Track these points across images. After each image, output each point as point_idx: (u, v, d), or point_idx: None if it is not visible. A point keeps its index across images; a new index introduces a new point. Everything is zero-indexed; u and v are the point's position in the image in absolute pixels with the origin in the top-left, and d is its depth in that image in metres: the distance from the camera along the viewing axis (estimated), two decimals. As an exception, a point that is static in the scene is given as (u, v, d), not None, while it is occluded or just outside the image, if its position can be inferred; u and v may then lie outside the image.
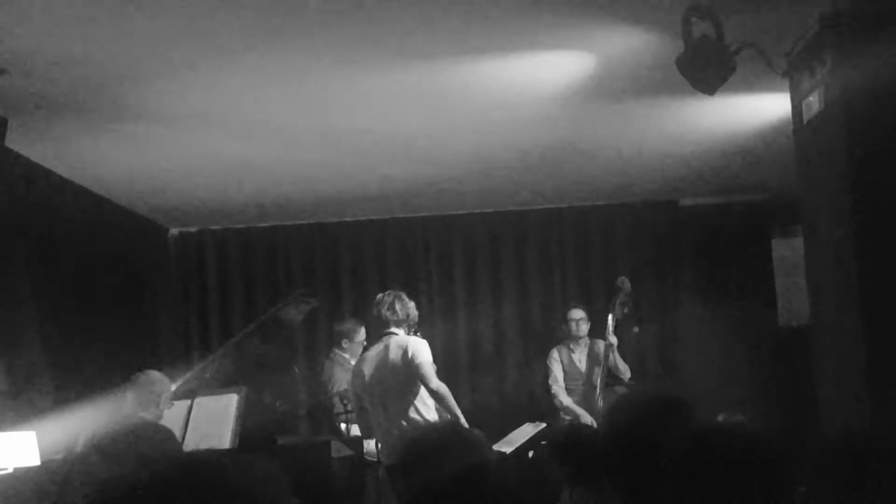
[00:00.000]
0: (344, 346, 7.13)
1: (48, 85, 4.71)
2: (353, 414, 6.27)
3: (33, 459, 4.63)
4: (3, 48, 4.21)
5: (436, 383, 5.47)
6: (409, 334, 5.79)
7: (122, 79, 4.72)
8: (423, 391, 5.56)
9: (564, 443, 3.70)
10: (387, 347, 5.67)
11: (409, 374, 5.53)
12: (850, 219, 4.07)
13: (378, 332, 5.88)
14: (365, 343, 6.94)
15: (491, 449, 2.76)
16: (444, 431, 2.79)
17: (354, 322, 7.27)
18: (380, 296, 5.89)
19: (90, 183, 6.68)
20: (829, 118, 4.19)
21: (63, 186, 6.42)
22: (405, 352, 5.55)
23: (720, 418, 3.47)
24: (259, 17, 4.12)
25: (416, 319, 5.88)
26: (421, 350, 5.56)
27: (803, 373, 5.21)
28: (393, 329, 5.73)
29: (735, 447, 2.03)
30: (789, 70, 4.52)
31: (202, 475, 1.68)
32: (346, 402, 6.37)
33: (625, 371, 7.33)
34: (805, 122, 4.47)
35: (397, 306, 5.73)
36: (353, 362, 6.87)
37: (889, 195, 4.00)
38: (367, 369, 5.71)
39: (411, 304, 5.84)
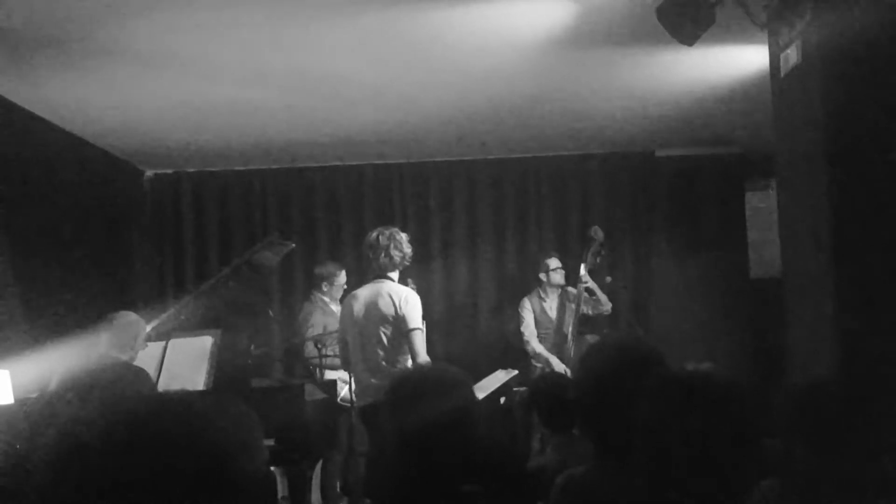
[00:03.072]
0: (324, 289, 7.14)
1: (23, 21, 4.65)
2: (326, 358, 6.29)
3: (6, 398, 4.65)
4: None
5: (423, 357, 5.34)
6: (402, 280, 5.67)
7: (99, 17, 4.66)
8: (404, 345, 5.45)
9: (537, 390, 3.75)
10: (378, 294, 5.52)
11: (396, 331, 5.44)
12: (824, 172, 4.09)
13: (369, 271, 5.71)
14: (345, 287, 6.95)
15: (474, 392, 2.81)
16: (434, 371, 2.84)
17: (335, 266, 7.27)
18: (374, 236, 5.61)
19: (65, 122, 6.62)
20: (806, 71, 4.20)
21: (37, 125, 6.36)
22: (397, 309, 5.41)
23: (687, 366, 3.51)
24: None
25: (410, 257, 5.66)
26: (414, 315, 5.41)
27: (775, 324, 5.27)
28: (388, 274, 5.58)
29: (701, 393, 2.07)
30: (768, 22, 4.52)
31: (173, 415, 1.69)
32: (319, 346, 6.41)
33: (605, 304, 7.37)
34: (783, 74, 4.47)
35: (393, 251, 5.54)
36: (332, 306, 6.89)
37: (863, 149, 4.03)
38: (357, 308, 5.58)
39: (405, 243, 5.61)
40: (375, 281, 5.62)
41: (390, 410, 2.62)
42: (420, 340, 5.38)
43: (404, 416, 2.57)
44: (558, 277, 7.46)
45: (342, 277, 7.12)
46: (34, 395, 4.75)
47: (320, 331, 6.71)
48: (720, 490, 2.03)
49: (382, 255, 5.55)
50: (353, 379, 5.65)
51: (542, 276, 7.51)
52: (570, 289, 7.42)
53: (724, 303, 8.19)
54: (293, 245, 6.76)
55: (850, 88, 4.04)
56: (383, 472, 2.97)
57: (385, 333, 5.46)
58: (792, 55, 4.30)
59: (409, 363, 5.41)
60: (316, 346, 6.39)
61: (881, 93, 4.01)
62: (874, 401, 2.55)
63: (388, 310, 5.45)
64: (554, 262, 7.48)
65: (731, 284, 8.24)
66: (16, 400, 4.67)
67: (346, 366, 5.84)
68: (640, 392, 2.09)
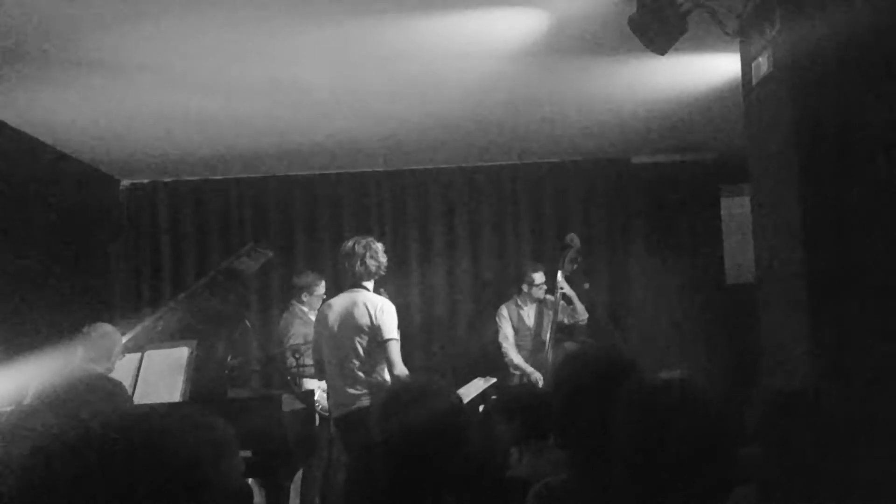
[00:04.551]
0: (303, 299, 7.12)
1: (1, 32, 4.64)
2: (305, 368, 6.27)
3: (-19, 411, 4.61)
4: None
5: (400, 368, 5.32)
6: (377, 290, 5.65)
7: (73, 28, 4.66)
8: (380, 355, 5.42)
9: (513, 400, 3.77)
10: (354, 303, 5.50)
11: (371, 341, 5.42)
12: (795, 179, 4.14)
13: (345, 281, 5.69)
14: (324, 297, 6.93)
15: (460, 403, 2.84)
16: (420, 384, 2.87)
17: (314, 276, 7.25)
18: (349, 245, 5.61)
19: (39, 133, 6.59)
20: (777, 79, 4.24)
21: (12, 135, 6.33)
22: (372, 319, 5.39)
23: (662, 374, 3.53)
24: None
25: (385, 267, 5.66)
26: (390, 325, 5.39)
27: (750, 329, 5.31)
28: (363, 283, 5.57)
29: (676, 402, 2.08)
30: (740, 31, 4.56)
31: (145, 430, 1.70)
32: (298, 356, 6.39)
33: (582, 313, 7.38)
34: (754, 82, 4.52)
35: (369, 261, 5.52)
36: (311, 316, 6.86)
37: (834, 156, 4.07)
38: (332, 318, 5.57)
39: (381, 253, 5.60)
40: (350, 290, 5.60)
41: (377, 422, 2.64)
42: (396, 350, 5.36)
43: (390, 427, 2.58)
44: (539, 293, 7.43)
45: (321, 288, 7.10)
46: (9, 408, 4.72)
47: (300, 341, 6.69)
48: (696, 497, 2.05)
49: (358, 264, 5.53)
50: (328, 389, 5.64)
51: (525, 286, 7.49)
52: (549, 296, 7.42)
53: (701, 308, 8.23)
54: (271, 254, 6.74)
55: (820, 96, 4.08)
56: (364, 482, 2.98)
57: (360, 343, 5.44)
58: (763, 63, 4.34)
59: (385, 373, 5.39)
60: (294, 355, 6.38)
61: (851, 100, 4.06)
62: (847, 407, 2.58)
63: (363, 319, 5.43)
64: (539, 277, 7.41)
65: (708, 290, 8.28)
66: (-9, 413, 4.63)
67: (319, 375, 5.83)
68: (616, 402, 2.10)
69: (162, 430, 1.72)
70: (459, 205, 8.54)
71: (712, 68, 5.69)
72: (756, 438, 2.61)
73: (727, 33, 4.50)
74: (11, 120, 6.19)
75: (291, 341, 6.80)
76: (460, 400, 2.82)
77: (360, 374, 5.44)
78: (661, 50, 4.20)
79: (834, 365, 3.89)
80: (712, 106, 6.52)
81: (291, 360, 6.43)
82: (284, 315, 7.26)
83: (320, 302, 6.85)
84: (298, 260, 8.32)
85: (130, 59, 5.18)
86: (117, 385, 4.88)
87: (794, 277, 4.15)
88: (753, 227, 4.78)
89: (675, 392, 2.11)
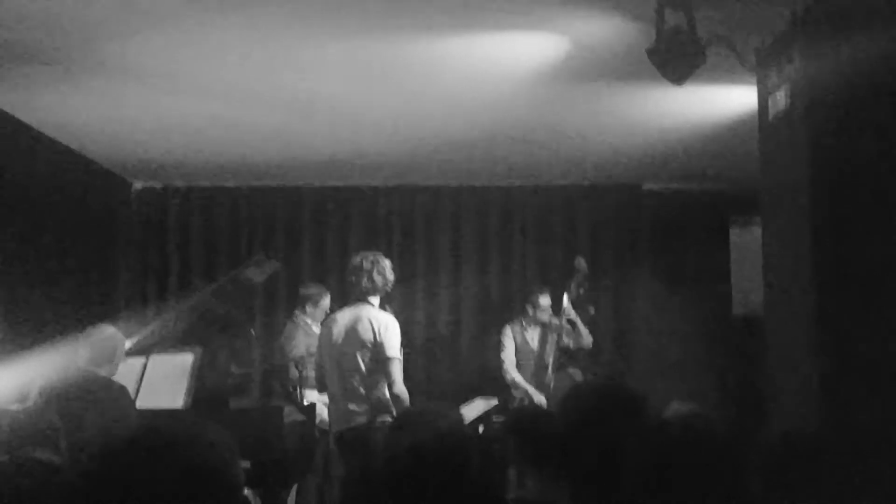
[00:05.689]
0: (307, 310, 7.12)
1: (17, 34, 4.67)
2: (307, 380, 6.26)
3: (-14, 409, 4.62)
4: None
5: (399, 387, 5.29)
6: (382, 306, 5.62)
7: (92, 31, 4.69)
8: (381, 372, 5.40)
9: (518, 423, 3.76)
10: (358, 319, 5.47)
11: (373, 357, 5.39)
12: (808, 214, 4.15)
13: (350, 295, 5.66)
14: (328, 311, 6.92)
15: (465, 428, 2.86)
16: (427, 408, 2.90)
17: (320, 288, 7.25)
18: (357, 260, 5.59)
19: (54, 132, 6.61)
20: (794, 115, 4.26)
21: (28, 135, 6.35)
22: (376, 335, 5.38)
23: (674, 407, 3.52)
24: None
25: (392, 284, 5.63)
26: (393, 343, 5.37)
27: (755, 362, 5.30)
28: (369, 299, 5.54)
29: (692, 444, 2.08)
30: (758, 65, 4.58)
31: (152, 444, 1.71)
32: (300, 368, 6.39)
33: (586, 338, 7.37)
34: (771, 117, 4.53)
35: (375, 276, 5.49)
36: (314, 328, 6.85)
37: (849, 194, 4.08)
38: (336, 332, 5.54)
39: (389, 269, 5.58)
40: (356, 305, 5.58)
41: (387, 445, 2.65)
42: (397, 369, 5.34)
43: (399, 450, 2.59)
44: (544, 316, 7.42)
45: (326, 300, 7.10)
46: (14, 406, 4.73)
47: (302, 351, 6.69)
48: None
49: (365, 279, 5.52)
50: (329, 403, 5.63)
51: (530, 309, 7.49)
52: (553, 320, 7.42)
53: (707, 338, 8.21)
54: (279, 265, 6.75)
55: (836, 134, 4.10)
56: (362, 499, 2.98)
57: (363, 359, 5.42)
58: (780, 98, 4.35)
59: (386, 391, 5.37)
60: (296, 367, 6.38)
61: (867, 137, 4.07)
62: (854, 445, 2.57)
63: (366, 335, 5.42)
64: (545, 301, 7.41)
65: (714, 320, 8.26)
66: (-4, 411, 4.64)
67: (321, 389, 5.82)
68: (629, 437, 2.10)
69: (164, 441, 1.73)
70: (468, 224, 8.54)
71: (727, 100, 5.70)
72: (762, 478, 2.60)
73: (745, 67, 4.51)
74: (29, 119, 6.21)
75: (294, 352, 6.80)
76: (464, 424, 2.83)
77: (361, 390, 5.41)
78: (678, 81, 4.21)
79: (842, 405, 3.88)
80: (725, 137, 6.53)
81: (294, 372, 6.43)
82: (287, 325, 7.25)
83: (324, 314, 6.85)
84: (304, 271, 8.32)
85: (148, 65, 5.21)
86: (120, 389, 4.90)
87: (803, 312, 4.15)
88: (763, 261, 4.78)
89: (691, 430, 2.11)
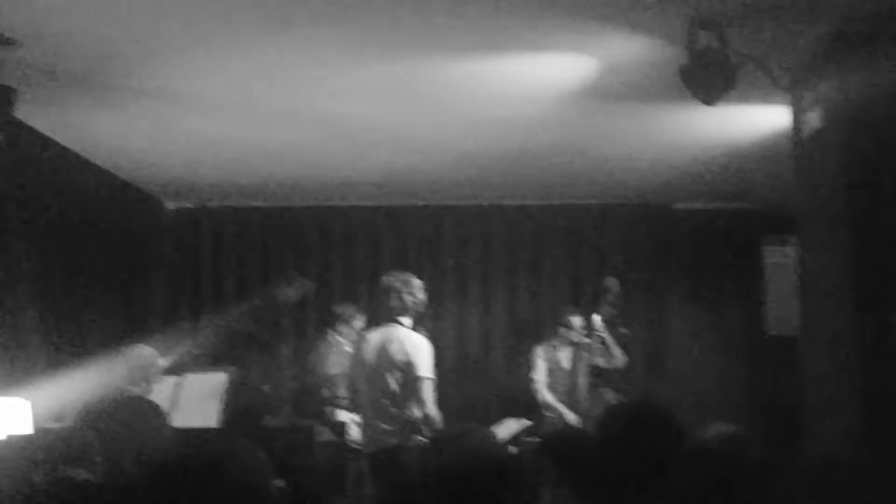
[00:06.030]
0: (340, 329, 7.15)
1: (58, 57, 4.74)
2: (339, 400, 6.28)
3: (26, 428, 4.67)
4: (16, 20, 4.23)
5: (430, 407, 5.32)
6: (415, 327, 5.64)
7: (129, 56, 4.75)
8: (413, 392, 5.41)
9: (554, 444, 3.75)
10: (389, 339, 5.50)
11: (405, 377, 5.40)
12: (845, 234, 4.13)
13: (381, 315, 5.70)
14: (362, 331, 6.94)
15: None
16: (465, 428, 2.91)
17: (354, 308, 7.27)
18: (387, 281, 5.64)
19: (91, 154, 6.69)
20: (828, 135, 4.24)
21: (66, 157, 6.42)
22: (407, 356, 5.39)
23: (713, 428, 3.50)
24: (267, 2, 4.15)
25: (424, 304, 5.68)
26: (424, 363, 5.38)
27: (790, 384, 5.26)
28: (400, 319, 5.57)
29: (733, 466, 2.08)
30: (791, 85, 4.56)
31: (189, 463, 1.73)
32: (331, 387, 6.41)
33: (619, 357, 7.33)
34: (804, 136, 4.51)
35: (406, 297, 5.53)
36: (347, 347, 6.87)
37: (885, 211, 4.06)
38: (368, 352, 5.57)
39: (419, 289, 5.62)
40: (387, 325, 5.61)
41: (421, 465, 2.67)
42: (429, 389, 5.36)
43: (434, 470, 2.60)
44: (576, 336, 7.39)
45: (360, 321, 7.12)
46: (51, 426, 4.78)
47: (336, 370, 6.71)
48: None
49: (395, 299, 5.55)
50: (361, 423, 5.64)
51: (561, 329, 7.47)
52: (585, 340, 7.39)
53: (740, 359, 8.16)
54: (313, 285, 6.78)
55: (871, 152, 4.08)
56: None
57: (394, 379, 5.44)
58: (814, 118, 4.34)
59: (417, 411, 5.38)
60: (328, 386, 6.40)
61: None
62: (893, 467, 2.55)
63: (398, 356, 5.43)
64: (577, 321, 7.37)
65: (747, 341, 8.21)
66: (35, 430, 4.69)
67: (353, 409, 5.84)
68: (668, 459, 2.10)
69: (203, 458, 1.75)
70: (498, 243, 8.54)
71: (760, 119, 5.67)
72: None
73: (778, 86, 4.50)
74: (65, 141, 6.29)
75: (327, 371, 6.82)
76: (498, 444, 2.84)
77: (393, 410, 5.42)
78: (711, 101, 4.20)
79: (881, 426, 3.84)
80: (758, 156, 6.50)
81: (326, 392, 6.45)
82: (320, 344, 7.29)
83: (356, 334, 6.88)
84: (334, 291, 8.34)
85: (181, 87, 5.26)
86: (155, 408, 4.93)
87: (841, 334, 4.12)
88: (799, 282, 4.75)
89: (730, 452, 2.10)
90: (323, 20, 4.35)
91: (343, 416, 6.45)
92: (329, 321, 7.35)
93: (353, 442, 6.14)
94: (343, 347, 6.99)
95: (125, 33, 4.48)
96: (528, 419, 6.70)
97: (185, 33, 4.50)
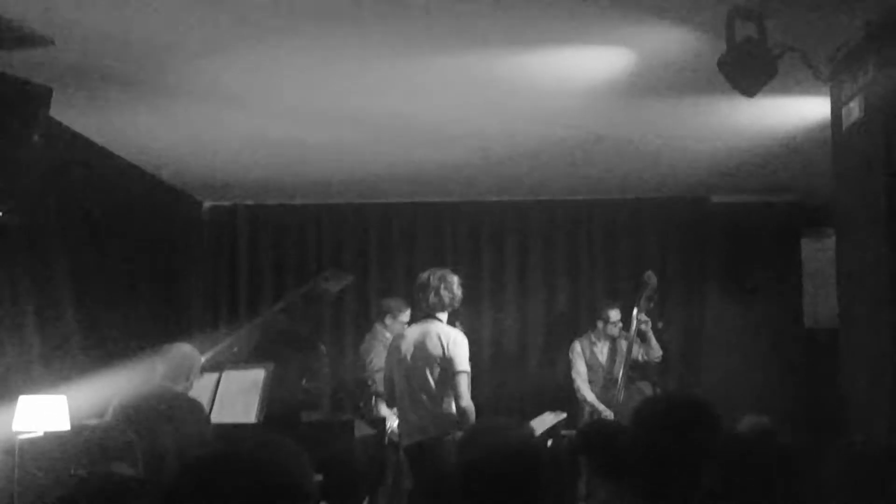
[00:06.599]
0: (386, 322, 7.18)
1: (92, 57, 4.78)
2: (383, 393, 6.31)
3: (64, 424, 4.72)
4: (51, 19, 4.27)
5: (466, 401, 5.33)
6: (451, 322, 5.66)
7: (164, 54, 4.78)
8: (450, 387, 5.43)
9: (591, 435, 3.74)
10: (427, 334, 5.52)
11: (443, 372, 5.43)
12: (884, 226, 4.08)
13: (418, 311, 5.75)
14: (406, 324, 6.96)
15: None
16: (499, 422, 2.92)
17: (402, 302, 7.27)
18: (424, 277, 5.63)
19: (127, 153, 6.74)
20: (869, 126, 4.20)
21: (102, 156, 6.48)
22: (445, 350, 5.41)
23: (748, 420, 3.48)
24: (306, 1, 4.17)
25: (460, 300, 5.67)
26: (461, 358, 5.41)
27: (827, 375, 5.21)
28: (437, 314, 5.58)
29: (768, 457, 2.06)
30: (831, 76, 4.51)
31: (230, 458, 1.74)
32: (371, 382, 6.44)
33: (657, 350, 7.32)
34: (844, 128, 4.47)
35: (443, 292, 5.53)
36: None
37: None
38: (405, 347, 5.60)
39: (456, 285, 5.61)
40: (424, 321, 5.63)
41: (457, 458, 2.67)
42: (465, 383, 5.38)
43: (470, 463, 2.61)
44: (615, 330, 7.40)
45: (406, 314, 7.13)
46: (91, 422, 4.83)
47: (381, 363, 6.74)
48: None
49: (432, 295, 5.56)
50: (399, 417, 5.66)
51: (600, 323, 7.46)
52: (623, 333, 7.38)
53: (777, 352, 8.10)
54: (352, 277, 6.81)
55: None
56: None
57: (432, 374, 5.46)
58: (854, 109, 4.29)
59: (453, 406, 5.40)
60: (374, 380, 6.43)
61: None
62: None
63: (436, 351, 5.45)
64: (615, 315, 7.39)
65: (785, 334, 8.15)
66: (72, 426, 4.74)
67: (391, 403, 5.86)
68: (705, 450, 2.09)
69: (243, 454, 1.77)
70: (534, 238, 8.53)
71: (799, 111, 5.62)
72: (836, 494, 2.56)
73: (818, 78, 4.45)
74: (102, 141, 6.35)
75: (374, 364, 6.84)
76: (534, 436, 2.84)
77: (430, 404, 5.45)
78: (750, 93, 4.16)
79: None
80: (797, 148, 6.44)
81: (371, 385, 6.49)
82: (367, 337, 7.34)
83: (402, 328, 6.89)
84: (371, 288, 8.37)
85: (221, 87, 5.29)
86: (195, 404, 4.98)
87: (880, 326, 4.07)
88: (837, 274, 4.71)
89: (765, 443, 2.09)
90: (362, 18, 4.36)
91: (383, 409, 6.47)
92: (378, 313, 7.37)
93: (393, 436, 6.16)
94: (388, 341, 7.02)
95: (161, 32, 4.51)
96: (565, 412, 6.68)
97: (220, 32, 4.52)
